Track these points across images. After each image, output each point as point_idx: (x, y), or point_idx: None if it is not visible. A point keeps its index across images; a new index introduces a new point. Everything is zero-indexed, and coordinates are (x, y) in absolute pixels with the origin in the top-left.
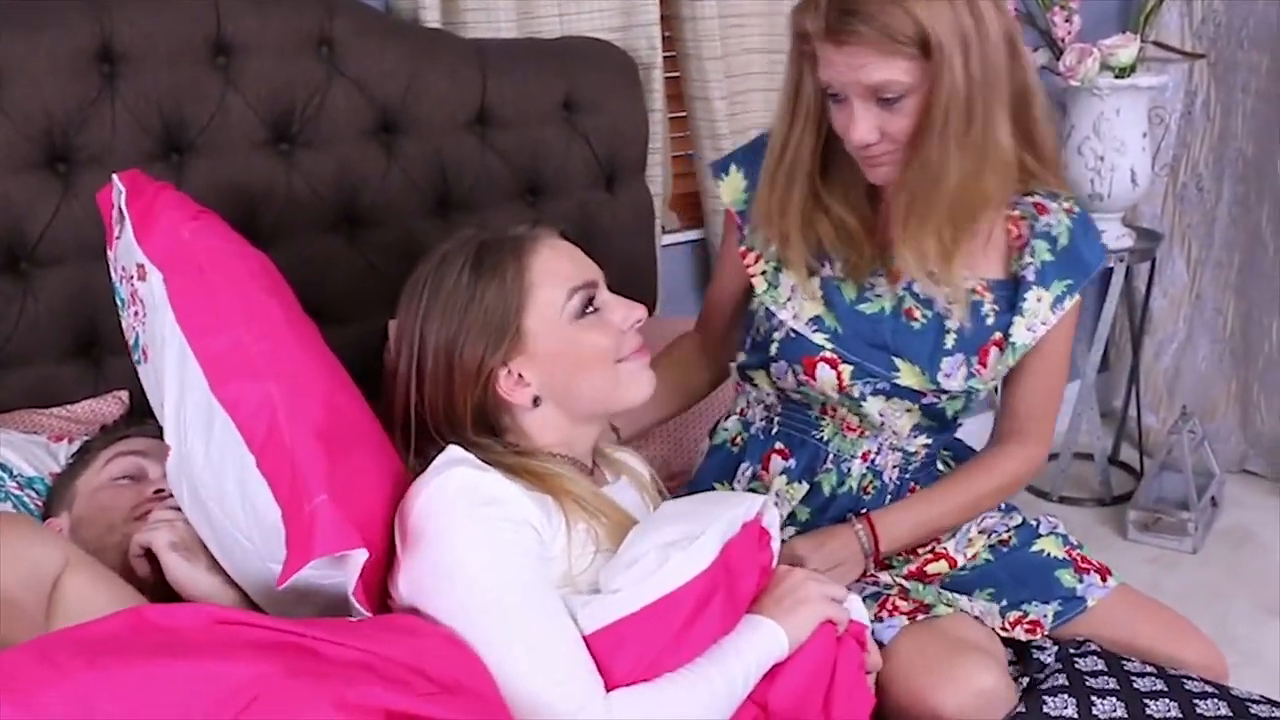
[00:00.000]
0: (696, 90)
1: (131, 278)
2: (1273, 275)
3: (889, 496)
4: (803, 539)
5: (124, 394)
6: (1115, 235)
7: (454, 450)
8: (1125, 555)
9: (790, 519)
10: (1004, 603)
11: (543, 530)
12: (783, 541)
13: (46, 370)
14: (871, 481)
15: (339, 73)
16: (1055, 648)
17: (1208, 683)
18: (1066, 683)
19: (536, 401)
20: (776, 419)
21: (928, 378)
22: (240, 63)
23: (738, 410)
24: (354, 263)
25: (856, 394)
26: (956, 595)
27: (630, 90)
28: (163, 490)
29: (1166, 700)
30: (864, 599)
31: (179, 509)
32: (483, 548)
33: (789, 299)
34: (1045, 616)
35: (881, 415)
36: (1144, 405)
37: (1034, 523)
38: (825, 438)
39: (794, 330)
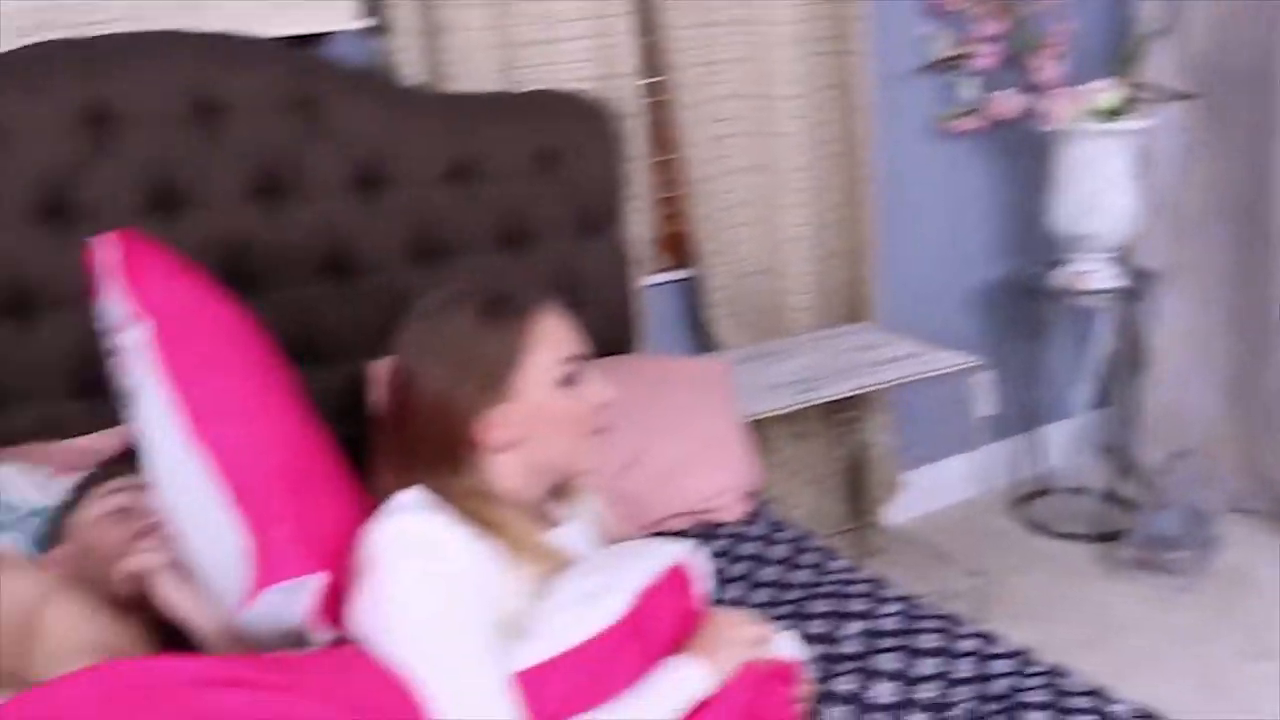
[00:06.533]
0: (679, 136)
1: (119, 328)
2: (1270, 314)
3: None
4: None
5: (122, 430)
6: (1108, 275)
7: (410, 492)
8: (1117, 592)
9: None
10: None
11: (482, 572)
12: None
13: (51, 407)
14: None
15: (319, 130)
16: None
17: None
18: None
19: (506, 447)
20: None
21: None
22: (225, 122)
23: None
24: (336, 310)
25: None
26: None
27: (604, 140)
28: (153, 524)
29: None
30: None
31: (167, 539)
32: (420, 585)
33: None
34: None
35: None
36: (1143, 442)
37: None
38: None
39: None
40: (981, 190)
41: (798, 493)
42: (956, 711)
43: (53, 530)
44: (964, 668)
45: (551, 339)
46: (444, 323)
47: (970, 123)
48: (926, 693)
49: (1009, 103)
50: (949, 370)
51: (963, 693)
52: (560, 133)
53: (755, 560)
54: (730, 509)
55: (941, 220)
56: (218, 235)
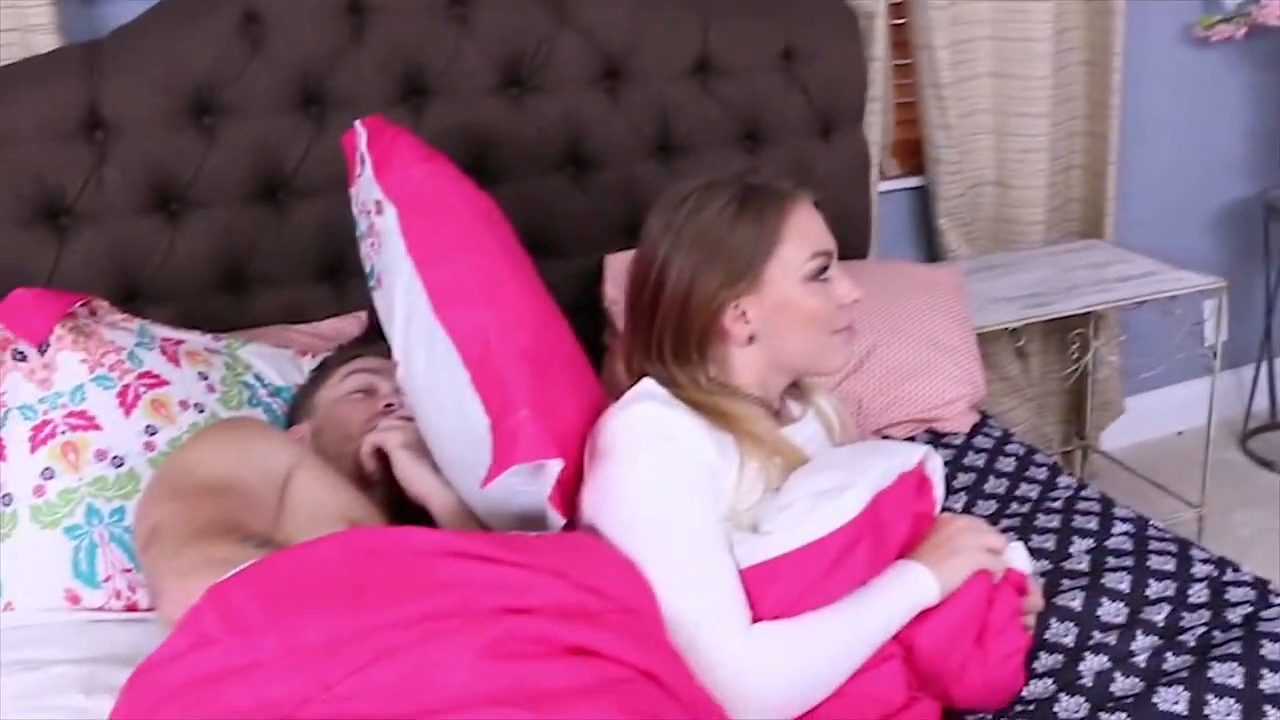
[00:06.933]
0: (921, 39)
1: (369, 212)
2: None
3: None
4: None
5: (363, 315)
6: None
7: (646, 384)
8: None
9: None
10: None
11: (715, 467)
12: None
13: (297, 291)
14: None
15: (567, 22)
16: None
17: None
18: None
19: (750, 340)
20: None
21: None
22: (475, 13)
23: None
24: (576, 202)
25: None
26: None
27: (849, 40)
28: (392, 404)
29: None
30: None
31: (409, 419)
32: (654, 475)
33: None
34: None
35: None
36: None
37: None
38: None
39: None
40: (1235, 104)
41: (1016, 410)
42: (1187, 636)
43: (294, 409)
44: (1197, 593)
45: (803, 233)
46: (697, 210)
47: (1230, 30)
48: (1156, 615)
49: (1278, 9)
50: (1185, 292)
51: (1195, 618)
52: (805, 31)
53: (981, 471)
54: (957, 419)
55: (1188, 134)
56: (463, 125)
